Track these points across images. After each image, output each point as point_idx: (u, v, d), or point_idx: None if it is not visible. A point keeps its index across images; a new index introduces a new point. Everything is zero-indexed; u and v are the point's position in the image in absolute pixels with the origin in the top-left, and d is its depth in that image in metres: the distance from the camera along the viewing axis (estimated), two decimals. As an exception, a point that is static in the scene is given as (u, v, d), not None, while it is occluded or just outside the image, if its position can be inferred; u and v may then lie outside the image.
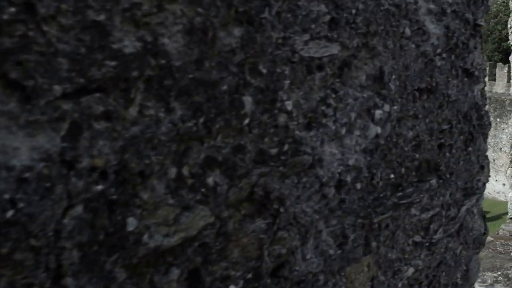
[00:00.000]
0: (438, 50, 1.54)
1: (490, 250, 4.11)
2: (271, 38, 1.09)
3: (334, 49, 1.23)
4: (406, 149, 1.46)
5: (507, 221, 4.84)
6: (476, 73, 1.71)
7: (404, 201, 1.47)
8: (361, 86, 1.32)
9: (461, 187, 1.70)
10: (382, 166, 1.39)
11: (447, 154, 1.63)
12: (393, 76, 1.39)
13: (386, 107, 1.39)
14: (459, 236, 1.71)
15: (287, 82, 1.13)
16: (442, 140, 1.60)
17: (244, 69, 1.05)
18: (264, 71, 1.09)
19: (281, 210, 1.14)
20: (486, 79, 1.82)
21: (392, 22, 1.37)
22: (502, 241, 4.28)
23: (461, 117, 1.66)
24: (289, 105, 1.14)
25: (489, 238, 4.30)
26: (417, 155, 1.50)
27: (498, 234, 4.45)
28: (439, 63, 1.54)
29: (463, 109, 1.67)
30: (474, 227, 1.81)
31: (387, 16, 1.36)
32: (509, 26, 4.55)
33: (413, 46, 1.45)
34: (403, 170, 1.46)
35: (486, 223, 1.90)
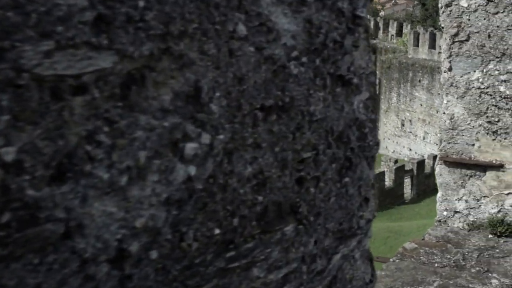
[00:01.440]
0: (294, 53, 1.20)
1: (412, 259, 3.88)
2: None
3: (105, 61, 0.88)
4: (241, 191, 1.13)
5: (435, 224, 4.62)
6: (356, 80, 1.38)
7: (237, 263, 1.14)
8: (162, 111, 0.97)
9: (333, 230, 1.39)
10: (199, 221, 1.05)
11: (311, 190, 1.31)
12: (217, 93, 1.05)
13: (205, 138, 1.05)
14: (329, 293, 1.40)
15: (7, 118, 0.78)
16: (302, 173, 1.27)
17: None
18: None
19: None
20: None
21: (214, 17, 1.03)
22: (427, 248, 4.06)
23: (332, 139, 1.34)
24: (9, 154, 0.78)
25: (412, 245, 4.07)
26: (260, 198, 1.17)
27: (423, 239, 4.22)
28: (295, 71, 1.21)
29: (337, 128, 1.35)
30: (356, 276, 1.50)
31: (204, 8, 1.01)
32: (440, 5, 4.31)
33: (252, 49, 1.11)
34: (236, 220, 1.13)
35: (374, 268, 1.60)
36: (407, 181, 35.80)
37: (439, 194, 4.63)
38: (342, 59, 1.34)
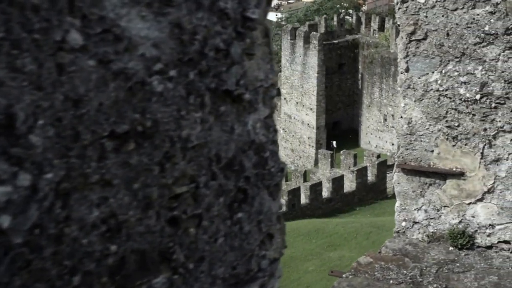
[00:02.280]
0: (158, 66, 1.00)
1: (366, 275, 3.71)
2: None
3: None
4: (84, 241, 0.93)
5: (394, 235, 4.46)
6: (249, 95, 1.19)
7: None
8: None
9: (223, 277, 1.19)
10: (19, 284, 0.85)
11: (191, 231, 1.11)
12: (40, 121, 0.85)
13: (24, 178, 0.84)
14: None
15: None
16: (176, 212, 1.08)
17: None
18: None
19: None
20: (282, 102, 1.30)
21: (32, 23, 0.83)
22: (382, 263, 3.89)
23: (218, 168, 1.15)
24: None
25: (367, 259, 3.90)
26: (113, 247, 0.97)
27: (380, 253, 4.05)
28: (159, 88, 1.01)
29: (225, 154, 1.16)
30: (258, 327, 1.31)
31: (15, 12, 0.81)
32: (395, 1, 4.16)
33: (93, 63, 0.91)
34: (77, 279, 0.93)
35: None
36: (389, 175, 35.94)
37: (397, 204, 4.47)
38: (228, 70, 1.14)
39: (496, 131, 4.07)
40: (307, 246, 27.62)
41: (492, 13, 3.96)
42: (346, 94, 45.42)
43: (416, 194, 4.41)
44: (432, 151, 4.30)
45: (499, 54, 3.97)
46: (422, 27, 4.20)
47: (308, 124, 45.30)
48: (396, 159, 4.46)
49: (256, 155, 1.24)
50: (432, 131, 4.28)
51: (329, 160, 39.50)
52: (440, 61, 4.18)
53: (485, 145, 4.11)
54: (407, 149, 4.39)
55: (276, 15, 66.04)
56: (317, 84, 43.93)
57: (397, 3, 4.28)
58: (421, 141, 4.33)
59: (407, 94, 4.33)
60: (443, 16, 4.12)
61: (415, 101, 4.31)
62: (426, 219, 4.41)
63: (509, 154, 4.06)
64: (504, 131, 4.05)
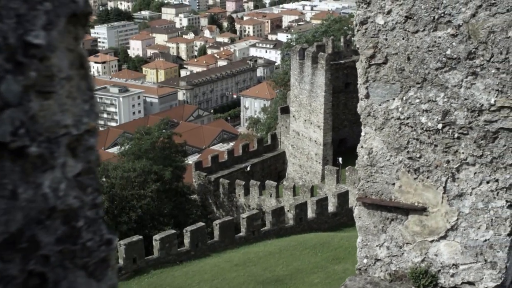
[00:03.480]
0: None
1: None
2: None
3: None
4: None
5: (356, 272, 4.01)
6: (36, 149, 0.79)
7: None
8: None
9: None
10: None
11: None
12: None
13: None
14: None
15: None
16: None
17: None
18: None
19: None
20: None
21: None
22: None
23: None
24: None
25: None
26: None
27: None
28: None
29: (3, 229, 0.75)
30: None
31: None
32: (354, 23, 3.74)
33: None
34: None
35: None
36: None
37: (359, 239, 4.03)
38: None
39: (459, 164, 3.62)
40: (313, 259, 27.26)
41: (454, 35, 3.52)
42: (352, 112, 44.82)
43: (378, 230, 3.96)
44: (394, 184, 3.85)
45: (462, 80, 3.53)
46: (382, 51, 3.77)
47: (316, 141, 44.84)
48: (356, 192, 4.02)
49: (63, 226, 0.83)
50: (393, 163, 3.84)
51: (335, 176, 39.04)
52: (401, 87, 3.74)
53: (448, 178, 3.67)
54: (368, 181, 3.95)
55: (287, 36, 65.68)
56: (324, 103, 43.52)
57: (355, 25, 3.85)
58: (382, 173, 3.88)
59: (368, 122, 3.90)
60: (403, 39, 3.69)
61: (375, 129, 3.87)
62: (388, 257, 3.95)
63: (473, 189, 3.60)
64: (467, 164, 3.60)
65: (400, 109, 3.76)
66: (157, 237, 31.41)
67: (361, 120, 3.94)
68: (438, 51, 3.58)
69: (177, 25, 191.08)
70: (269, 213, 34.07)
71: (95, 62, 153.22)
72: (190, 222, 37.26)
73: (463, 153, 3.60)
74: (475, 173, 3.59)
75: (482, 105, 3.49)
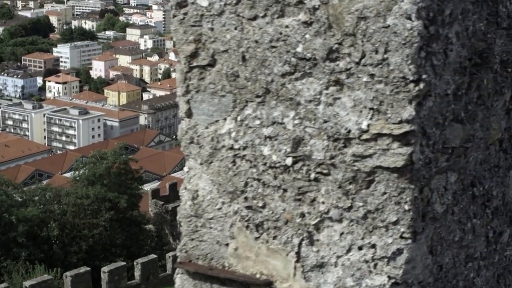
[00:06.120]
0: None
1: None
2: None
3: None
4: None
5: None
6: None
7: None
8: None
9: None
10: None
11: None
12: None
13: None
14: None
15: None
16: None
17: None
18: None
19: None
20: None
21: None
22: None
23: None
24: None
25: None
26: None
27: None
28: None
29: None
30: None
31: None
32: (170, 5, 2.38)
33: None
34: None
35: None
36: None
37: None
38: None
39: (318, 219, 2.25)
40: None
41: (307, 24, 2.15)
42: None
43: (209, 309, 2.54)
44: (227, 244, 2.45)
45: (320, 93, 2.16)
46: (208, 46, 2.36)
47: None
48: (178, 254, 2.60)
49: None
50: (226, 214, 2.44)
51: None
52: (234, 101, 2.35)
53: (302, 240, 2.29)
54: (193, 239, 2.53)
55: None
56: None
57: (171, 8, 2.43)
58: (211, 228, 2.48)
59: (191, 153, 2.48)
60: (236, 28, 2.29)
61: (201, 164, 2.46)
62: None
63: (339, 257, 2.24)
64: (330, 220, 2.24)
65: (233, 135, 2.36)
66: (105, 269, 29.31)
67: (181, 149, 2.51)
68: (285, 47, 2.20)
69: (142, 47, 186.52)
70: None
71: (56, 82, 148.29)
72: (144, 253, 35.31)
73: (323, 202, 2.23)
74: (341, 233, 2.22)
75: (350, 131, 2.13)
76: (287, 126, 2.23)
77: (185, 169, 2.53)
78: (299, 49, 2.17)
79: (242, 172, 2.36)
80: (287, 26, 2.18)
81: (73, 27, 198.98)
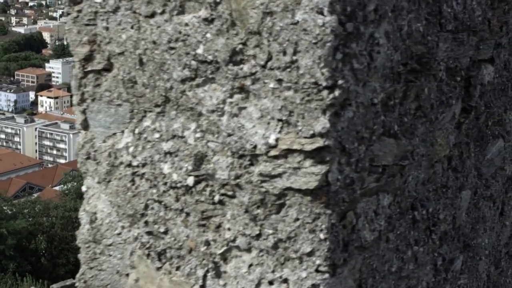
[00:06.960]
0: None
1: None
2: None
3: None
4: None
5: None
6: None
7: None
8: None
9: None
10: None
11: None
12: None
13: None
14: None
15: None
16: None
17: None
18: None
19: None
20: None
21: None
22: None
23: None
24: None
25: None
26: None
27: None
28: None
29: None
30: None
31: None
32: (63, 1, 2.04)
33: None
34: None
35: None
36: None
37: None
38: None
39: (225, 247, 1.90)
40: None
41: (208, 21, 1.81)
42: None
43: None
44: (128, 274, 2.09)
45: (224, 101, 1.82)
46: (103, 48, 2.02)
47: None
48: (77, 283, 2.23)
49: None
50: (126, 239, 2.08)
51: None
52: (131, 111, 2.00)
53: (207, 271, 1.93)
54: (91, 267, 2.17)
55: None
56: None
57: (64, 5, 2.09)
58: (111, 255, 2.12)
59: (88, 170, 2.13)
60: (132, 27, 1.95)
61: (99, 182, 2.11)
62: None
63: (248, 293, 1.88)
64: (238, 249, 1.88)
65: (131, 150, 2.01)
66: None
67: (77, 165, 2.16)
68: (184, 49, 1.86)
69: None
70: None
71: (48, 97, 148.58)
72: (131, 266, 35.18)
73: (229, 229, 1.87)
74: (250, 265, 1.87)
75: (256, 146, 1.78)
76: (188, 140, 1.89)
77: (83, 188, 2.18)
78: (199, 51, 1.83)
79: (142, 193, 2.01)
80: (187, 24, 1.84)
81: (65, 43, 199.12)
